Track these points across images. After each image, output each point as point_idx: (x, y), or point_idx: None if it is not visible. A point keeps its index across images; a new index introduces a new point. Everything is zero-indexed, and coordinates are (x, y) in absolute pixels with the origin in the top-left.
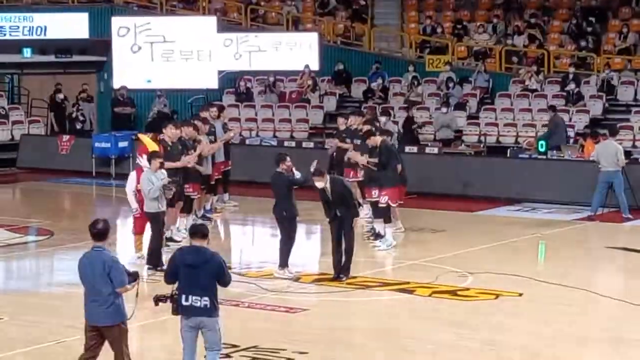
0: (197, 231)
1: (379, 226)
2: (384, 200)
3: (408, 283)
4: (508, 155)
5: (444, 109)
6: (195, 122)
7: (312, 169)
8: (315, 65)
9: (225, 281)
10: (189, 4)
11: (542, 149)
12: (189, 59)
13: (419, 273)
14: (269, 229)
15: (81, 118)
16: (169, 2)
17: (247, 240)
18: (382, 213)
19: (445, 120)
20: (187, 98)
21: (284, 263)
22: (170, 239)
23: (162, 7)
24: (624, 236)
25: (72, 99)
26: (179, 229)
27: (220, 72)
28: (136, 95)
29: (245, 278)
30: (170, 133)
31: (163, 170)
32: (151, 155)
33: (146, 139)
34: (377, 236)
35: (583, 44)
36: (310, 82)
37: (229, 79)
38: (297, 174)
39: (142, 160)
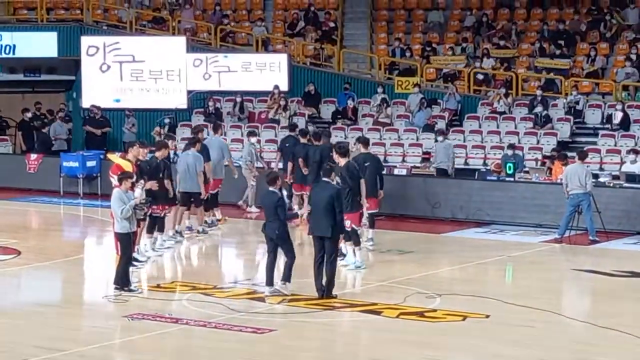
0: None
1: (347, 246)
2: (347, 224)
3: (375, 304)
4: (476, 177)
5: (440, 138)
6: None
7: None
8: (284, 86)
9: None
10: (159, 24)
11: (510, 172)
12: (158, 78)
13: (387, 294)
14: (235, 249)
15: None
16: (138, 21)
17: (215, 260)
18: (349, 236)
19: (447, 149)
20: (156, 118)
21: (286, 278)
22: (135, 259)
23: (131, 27)
24: (590, 259)
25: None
26: (147, 248)
27: (189, 92)
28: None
29: (212, 298)
30: (136, 152)
31: (138, 190)
32: (122, 176)
33: (117, 158)
34: (341, 254)
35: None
36: (282, 102)
37: (198, 99)
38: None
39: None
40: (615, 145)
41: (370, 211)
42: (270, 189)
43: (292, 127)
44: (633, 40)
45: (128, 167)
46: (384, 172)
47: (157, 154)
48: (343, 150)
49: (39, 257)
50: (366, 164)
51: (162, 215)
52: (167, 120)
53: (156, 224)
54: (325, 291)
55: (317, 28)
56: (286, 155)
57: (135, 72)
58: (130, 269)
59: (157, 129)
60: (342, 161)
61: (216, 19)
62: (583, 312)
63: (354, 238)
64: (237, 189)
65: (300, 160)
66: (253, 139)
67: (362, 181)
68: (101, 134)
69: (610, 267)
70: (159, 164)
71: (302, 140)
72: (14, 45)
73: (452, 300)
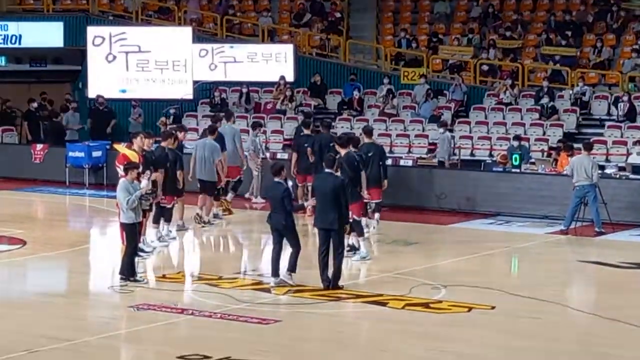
0: None
1: (352, 239)
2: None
3: (381, 295)
4: (482, 168)
5: (441, 130)
6: (179, 132)
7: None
8: (290, 77)
9: None
10: (165, 14)
11: (516, 163)
12: (164, 69)
13: (392, 285)
14: (241, 240)
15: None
16: (144, 11)
17: (221, 251)
18: (352, 227)
19: (443, 141)
20: (162, 108)
21: (292, 268)
22: (140, 250)
23: (137, 17)
24: (596, 250)
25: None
26: (153, 239)
27: (195, 82)
28: (111, 104)
29: (218, 289)
30: (140, 143)
31: (144, 180)
32: (128, 166)
33: (123, 148)
34: (352, 248)
35: (557, 58)
36: (288, 92)
37: (204, 90)
38: (290, 183)
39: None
40: (622, 137)
41: (374, 201)
42: (276, 179)
43: (307, 116)
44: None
45: (134, 157)
46: (389, 162)
47: (163, 143)
48: (343, 140)
49: (45, 247)
50: (370, 154)
51: (170, 205)
52: (172, 111)
53: (163, 215)
54: (332, 282)
55: (323, 19)
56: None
57: (141, 62)
58: (136, 259)
59: (163, 119)
60: (342, 151)
61: (222, 9)
62: (589, 304)
63: (357, 229)
64: (244, 179)
65: (308, 149)
66: (257, 130)
67: (363, 173)
68: (110, 130)
69: (616, 258)
70: (165, 154)
71: (306, 131)
72: (20, 35)
73: (457, 291)
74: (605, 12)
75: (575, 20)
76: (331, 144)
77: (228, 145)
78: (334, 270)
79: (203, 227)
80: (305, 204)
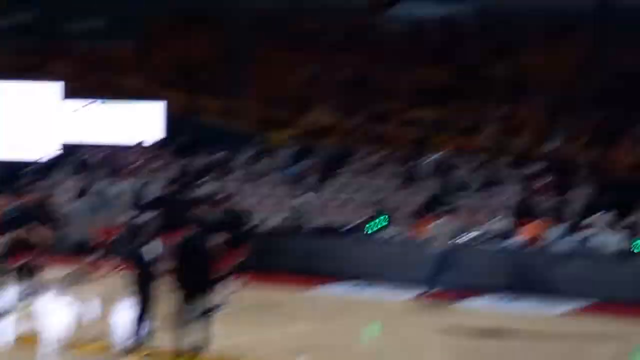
0: None
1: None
2: None
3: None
4: (343, 233)
5: (300, 192)
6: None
7: None
8: (158, 136)
9: None
10: (33, 68)
11: (376, 228)
12: (27, 126)
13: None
14: (99, 303)
15: None
16: (11, 68)
17: (76, 314)
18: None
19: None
20: (23, 168)
21: (144, 335)
22: None
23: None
24: (453, 316)
25: None
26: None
27: (59, 142)
28: None
29: (71, 354)
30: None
31: None
32: None
33: None
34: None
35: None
36: (154, 153)
37: (68, 150)
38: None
39: None
40: (482, 204)
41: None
42: (139, 242)
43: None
44: (502, 96)
45: None
46: (254, 224)
47: (20, 202)
48: (198, 201)
49: None
50: (229, 217)
51: (23, 265)
52: (33, 171)
53: (18, 275)
54: (201, 348)
55: (192, 79)
56: None
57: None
58: None
59: (23, 180)
60: (197, 212)
61: (92, 68)
62: None
63: None
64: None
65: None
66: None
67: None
68: None
69: (473, 324)
70: (22, 213)
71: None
72: None
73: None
74: (469, 78)
75: (439, 87)
76: (185, 206)
77: (103, 206)
78: (201, 334)
79: (62, 288)
80: (165, 267)
